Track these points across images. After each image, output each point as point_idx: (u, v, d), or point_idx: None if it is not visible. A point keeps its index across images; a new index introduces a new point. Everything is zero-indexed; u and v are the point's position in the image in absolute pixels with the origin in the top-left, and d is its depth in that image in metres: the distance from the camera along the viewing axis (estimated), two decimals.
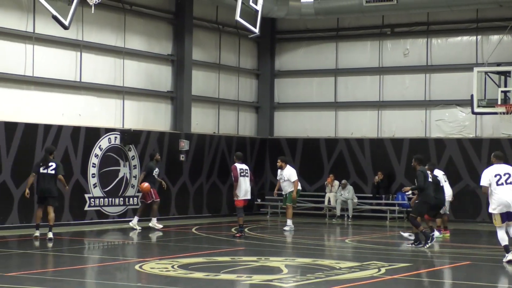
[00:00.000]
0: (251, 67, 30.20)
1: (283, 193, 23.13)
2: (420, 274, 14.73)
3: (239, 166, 20.60)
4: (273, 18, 29.28)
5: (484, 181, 15.91)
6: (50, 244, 18.56)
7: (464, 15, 27.48)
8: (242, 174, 20.51)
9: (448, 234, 21.66)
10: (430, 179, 19.05)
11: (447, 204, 21.49)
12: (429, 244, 18.54)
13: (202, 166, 27.24)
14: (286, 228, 22.71)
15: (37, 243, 18.65)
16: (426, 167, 19.58)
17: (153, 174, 22.55)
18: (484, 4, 26.09)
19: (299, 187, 23.29)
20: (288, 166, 22.93)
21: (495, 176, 15.82)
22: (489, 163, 16.47)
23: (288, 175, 22.68)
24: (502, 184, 15.72)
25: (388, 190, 27.84)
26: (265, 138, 30.08)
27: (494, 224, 15.92)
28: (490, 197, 15.85)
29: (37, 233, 19.27)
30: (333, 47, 29.63)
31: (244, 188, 20.50)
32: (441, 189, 20.18)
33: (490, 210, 16.00)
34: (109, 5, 24.23)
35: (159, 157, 23.32)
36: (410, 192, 27.42)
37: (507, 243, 15.89)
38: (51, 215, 19.29)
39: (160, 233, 21.74)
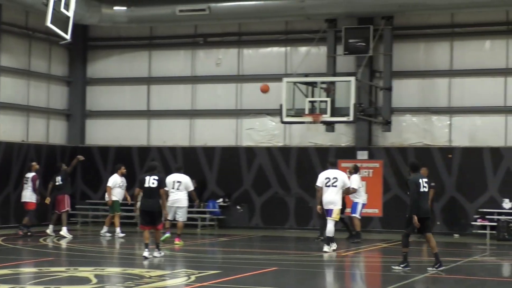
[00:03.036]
0: (62, 74, 29.63)
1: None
2: (228, 280, 14.96)
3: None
4: (85, 25, 28.85)
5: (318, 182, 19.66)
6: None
7: (275, 27, 28.14)
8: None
9: (179, 242, 21.30)
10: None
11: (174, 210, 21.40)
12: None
13: (10, 175, 26.45)
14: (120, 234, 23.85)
15: None
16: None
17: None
18: (292, 17, 26.84)
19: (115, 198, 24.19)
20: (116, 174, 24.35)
21: (325, 179, 19.61)
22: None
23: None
24: (328, 186, 19.54)
25: (200, 198, 28.00)
26: (76, 146, 29.57)
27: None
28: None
29: None
30: (146, 56, 29.59)
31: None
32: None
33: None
34: None
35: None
36: (221, 200, 27.90)
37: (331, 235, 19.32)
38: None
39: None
